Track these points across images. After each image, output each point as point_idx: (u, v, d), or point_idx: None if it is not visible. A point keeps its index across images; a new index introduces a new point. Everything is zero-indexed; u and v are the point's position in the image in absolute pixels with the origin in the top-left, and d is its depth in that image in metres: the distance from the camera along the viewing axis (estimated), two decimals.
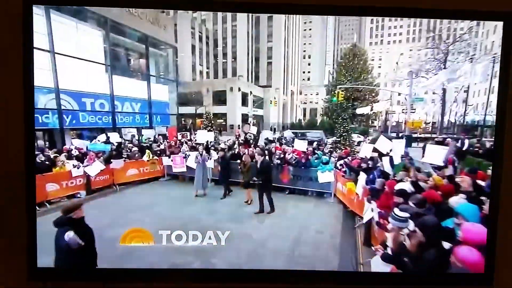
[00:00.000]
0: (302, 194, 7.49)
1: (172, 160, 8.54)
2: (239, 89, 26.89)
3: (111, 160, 7.67)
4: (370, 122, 31.40)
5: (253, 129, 9.63)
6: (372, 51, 39.45)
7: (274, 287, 3.00)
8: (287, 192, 7.59)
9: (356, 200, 5.72)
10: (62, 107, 9.96)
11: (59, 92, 9.70)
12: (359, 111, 26.57)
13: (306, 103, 47.79)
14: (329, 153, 7.91)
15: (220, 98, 27.19)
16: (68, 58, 10.01)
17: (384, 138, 6.28)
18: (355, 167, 5.87)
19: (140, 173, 8.57)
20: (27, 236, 2.55)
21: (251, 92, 28.38)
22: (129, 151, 8.68)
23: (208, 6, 2.80)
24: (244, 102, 27.75)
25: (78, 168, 7.13)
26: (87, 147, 7.53)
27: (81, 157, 7.51)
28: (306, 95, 48.03)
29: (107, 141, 8.32)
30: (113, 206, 6.71)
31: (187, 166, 8.31)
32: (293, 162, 7.44)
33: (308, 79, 50.06)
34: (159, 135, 11.27)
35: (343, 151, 7.33)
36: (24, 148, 2.50)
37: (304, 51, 48.31)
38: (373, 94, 31.26)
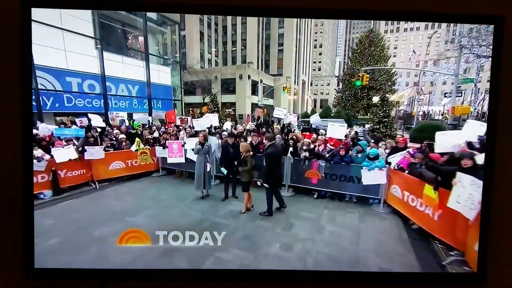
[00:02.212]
0: (337, 199, 5.25)
1: (167, 147, 6.41)
2: (249, 77, 24.31)
3: (85, 148, 5.59)
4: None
5: (280, 112, 7.07)
6: (388, 39, 36.10)
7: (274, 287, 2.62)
8: (315, 196, 5.37)
9: (439, 218, 3.44)
10: (40, 87, 7.91)
11: (34, 68, 7.61)
12: (375, 99, 23.92)
13: (316, 94, 45.02)
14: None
15: (228, 86, 24.76)
16: (46, 28, 7.87)
17: (472, 121, 3.95)
18: (441, 165, 3.54)
19: (127, 167, 6.47)
20: (23, 235, 2.30)
21: (261, 81, 25.83)
22: (114, 139, 6.57)
23: (216, 9, 2.30)
24: (254, 91, 25.28)
25: (39, 161, 5.07)
26: (52, 133, 5.40)
27: (47, 146, 5.43)
28: (317, 85, 45.17)
29: (81, 126, 6.21)
30: (88, 210, 4.65)
31: (186, 158, 6.25)
32: (327, 155, 5.16)
33: (319, 69, 47.21)
34: (158, 120, 9.14)
35: (401, 139, 4.99)
36: (21, 144, 2.20)
37: (315, 40, 45.10)
38: (389, 84, 28.37)
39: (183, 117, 7.94)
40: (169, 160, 6.36)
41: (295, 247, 3.48)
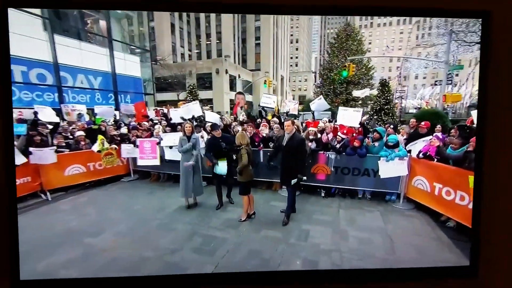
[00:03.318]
0: (349, 196, 4.59)
1: (137, 147, 5.37)
2: (226, 71, 23.13)
3: (30, 150, 4.35)
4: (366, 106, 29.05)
5: (269, 99, 6.27)
6: (362, 34, 37.12)
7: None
8: (323, 194, 4.65)
9: None
10: None
11: None
12: (355, 93, 24.10)
13: (294, 89, 45.08)
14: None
15: (205, 82, 23.41)
16: None
17: None
18: None
19: (88, 171, 5.27)
20: (8, 244, 2.00)
21: (239, 75, 24.84)
22: (70, 136, 5.33)
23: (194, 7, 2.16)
24: (232, 87, 24.20)
25: None
26: None
27: None
28: (294, 81, 45.23)
29: (23, 120, 4.94)
30: (32, 231, 3.44)
31: (164, 159, 5.28)
32: (337, 146, 4.45)
33: (296, 65, 47.35)
34: (127, 116, 7.89)
35: (423, 123, 4.46)
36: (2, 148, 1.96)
37: (292, 35, 45.09)
38: (367, 78, 29.00)
39: (158, 108, 6.81)
40: (140, 162, 5.36)
41: (320, 262, 2.70)
